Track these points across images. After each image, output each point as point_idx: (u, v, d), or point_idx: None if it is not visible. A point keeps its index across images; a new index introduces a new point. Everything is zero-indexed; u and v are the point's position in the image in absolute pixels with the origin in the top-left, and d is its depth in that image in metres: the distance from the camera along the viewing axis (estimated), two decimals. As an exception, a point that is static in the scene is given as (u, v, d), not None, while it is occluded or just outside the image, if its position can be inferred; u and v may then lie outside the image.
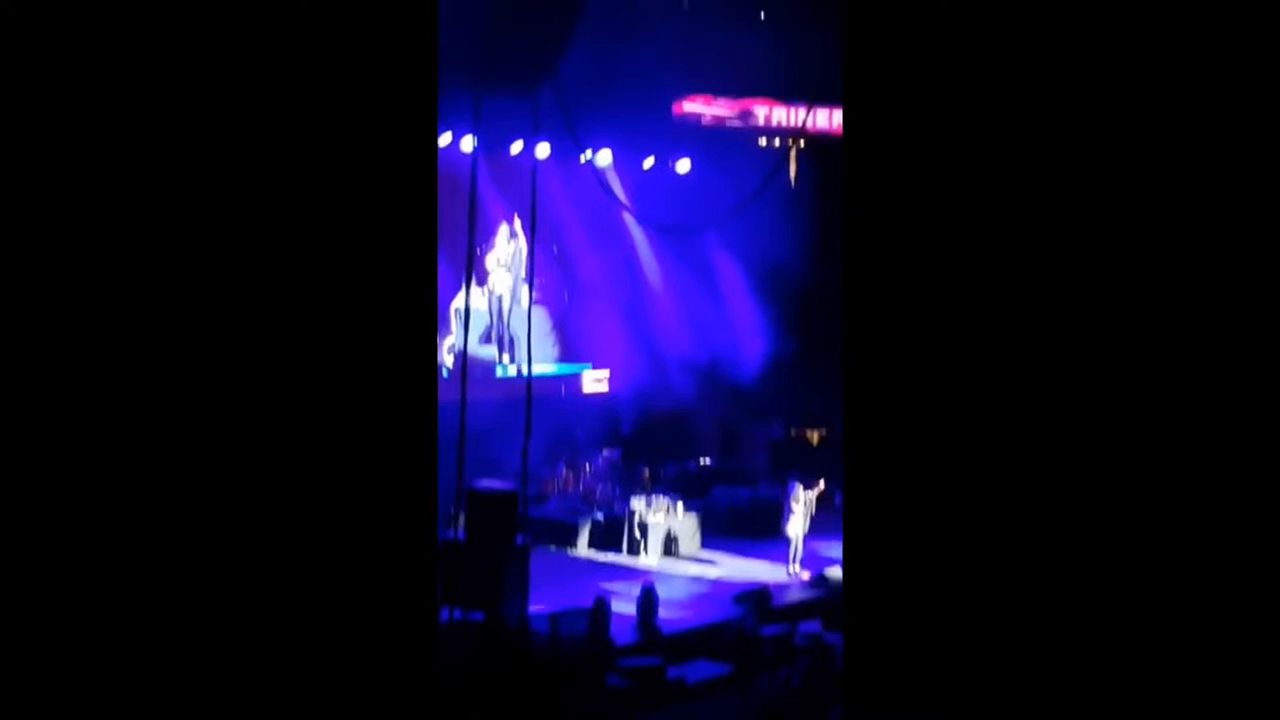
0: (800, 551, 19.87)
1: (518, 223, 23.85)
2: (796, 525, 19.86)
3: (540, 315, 23.26)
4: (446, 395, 17.46)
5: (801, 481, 20.15)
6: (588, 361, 25.02)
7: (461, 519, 16.99)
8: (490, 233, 23.38)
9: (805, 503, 19.88)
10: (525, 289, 23.51)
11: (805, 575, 19.57)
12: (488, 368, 22.44)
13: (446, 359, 22.15)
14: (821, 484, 20.11)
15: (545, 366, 23.40)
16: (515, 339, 23.79)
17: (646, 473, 22.46)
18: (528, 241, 22.46)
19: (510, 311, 23.36)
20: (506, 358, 23.36)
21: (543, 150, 21.74)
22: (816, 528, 20.84)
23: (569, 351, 25.00)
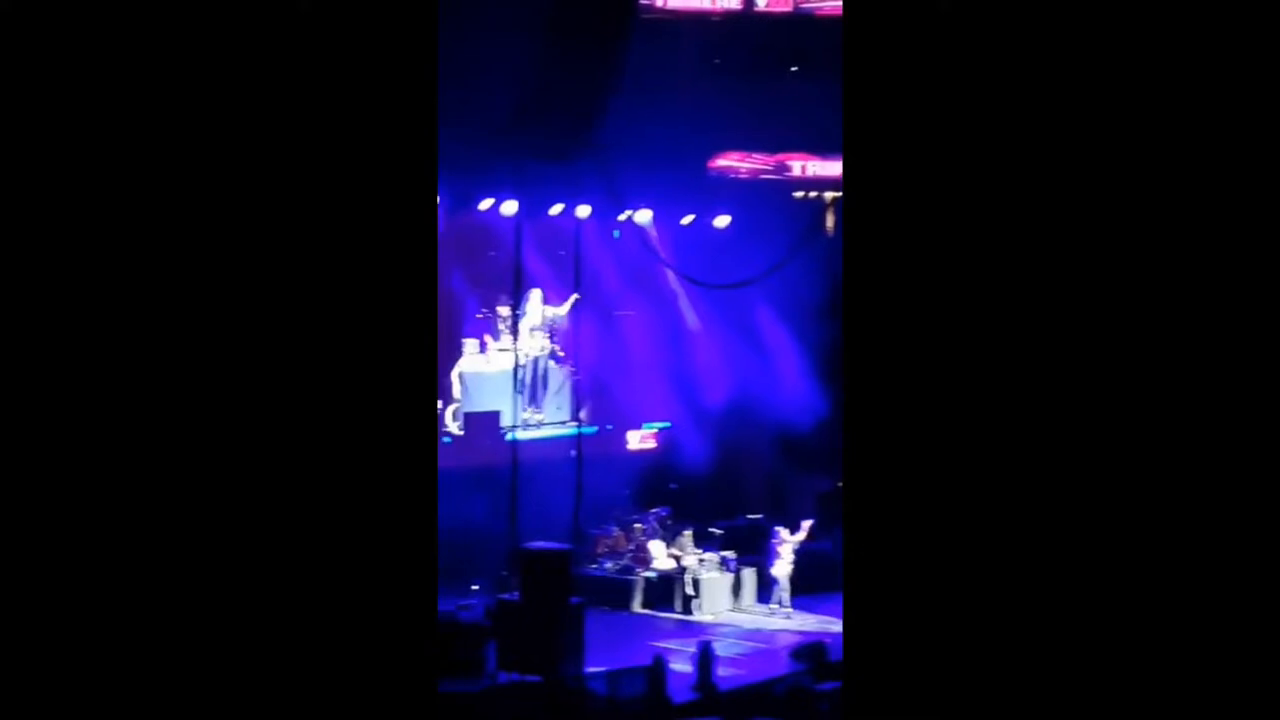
0: (787, 592, 20.86)
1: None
2: (781, 568, 20.81)
3: (566, 374, 23.50)
4: (455, 460, 17.72)
5: (785, 526, 21.11)
6: (641, 420, 25.10)
7: (514, 581, 16.94)
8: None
9: (790, 546, 20.86)
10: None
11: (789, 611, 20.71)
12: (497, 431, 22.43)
13: (451, 425, 22.22)
14: (805, 526, 21.08)
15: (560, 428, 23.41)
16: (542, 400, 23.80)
17: (690, 532, 22.35)
18: (571, 301, 22.65)
19: (545, 373, 23.44)
20: (537, 416, 23.38)
21: (583, 211, 21.87)
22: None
23: (606, 411, 24.97)
